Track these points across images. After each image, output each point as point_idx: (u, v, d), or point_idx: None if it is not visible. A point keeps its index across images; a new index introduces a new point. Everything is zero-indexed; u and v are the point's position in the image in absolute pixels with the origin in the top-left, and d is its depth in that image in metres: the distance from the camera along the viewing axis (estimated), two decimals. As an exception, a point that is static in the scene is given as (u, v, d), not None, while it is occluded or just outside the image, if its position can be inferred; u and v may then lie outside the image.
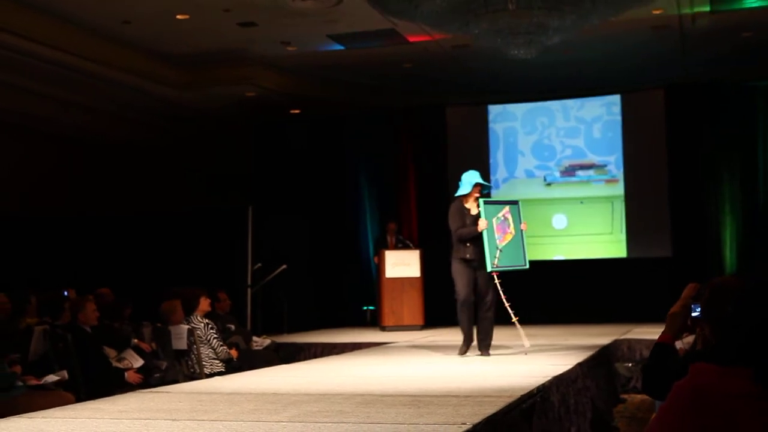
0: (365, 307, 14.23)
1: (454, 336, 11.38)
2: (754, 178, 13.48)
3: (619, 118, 14.12)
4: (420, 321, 12.42)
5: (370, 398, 5.26)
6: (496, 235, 8.11)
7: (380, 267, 12.55)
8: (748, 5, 10.88)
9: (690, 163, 13.63)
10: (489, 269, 8.01)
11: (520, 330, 8.21)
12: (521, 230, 8.40)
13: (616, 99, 14.13)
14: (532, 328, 12.11)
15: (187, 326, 8.23)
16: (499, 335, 8.61)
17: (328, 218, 14.95)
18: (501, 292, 8.08)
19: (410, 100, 14.57)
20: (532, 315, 13.25)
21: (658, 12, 10.85)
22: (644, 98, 13.99)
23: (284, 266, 12.37)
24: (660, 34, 11.81)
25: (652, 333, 9.34)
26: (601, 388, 8.00)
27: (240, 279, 11.89)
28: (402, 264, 12.35)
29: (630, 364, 8.82)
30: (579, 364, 7.18)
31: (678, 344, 4.72)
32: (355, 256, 14.96)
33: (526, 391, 5.36)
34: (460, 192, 8.30)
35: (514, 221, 8.33)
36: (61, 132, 14.23)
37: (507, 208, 8.37)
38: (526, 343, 8.29)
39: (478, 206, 8.18)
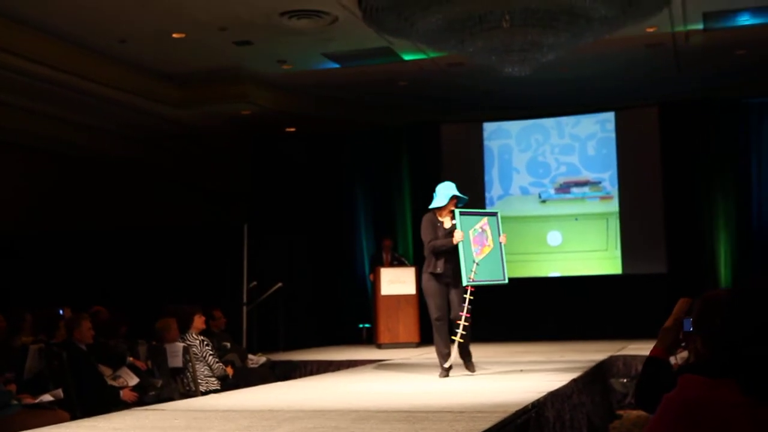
0: (361, 325, 14.24)
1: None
2: (748, 194, 13.53)
3: (613, 135, 14.18)
4: (416, 338, 12.42)
5: (365, 414, 5.27)
6: (473, 248, 7.72)
7: (376, 284, 12.57)
8: (741, 23, 10.95)
9: (684, 180, 13.68)
10: (465, 283, 7.62)
11: (454, 349, 7.73)
12: (500, 243, 7.99)
13: (610, 116, 14.20)
14: (528, 344, 12.18)
15: (182, 344, 8.24)
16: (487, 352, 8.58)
17: (324, 236, 14.97)
18: (467, 308, 7.68)
19: (406, 117, 14.63)
20: (527, 332, 13.40)
21: (651, 30, 10.93)
22: (638, 115, 14.05)
23: (280, 284, 12.38)
24: (654, 52, 11.89)
25: (647, 349, 9.30)
26: (596, 403, 8.00)
27: (236, 297, 11.90)
28: (398, 281, 12.36)
29: (625, 380, 8.84)
30: (574, 380, 7.19)
31: (672, 360, 4.75)
32: (350, 273, 14.98)
33: (521, 407, 5.37)
34: (435, 204, 7.93)
35: (492, 233, 7.95)
36: (58, 150, 14.26)
37: (485, 219, 7.98)
38: (450, 361, 7.79)
39: (453, 219, 7.81)
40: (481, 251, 7.78)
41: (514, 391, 6.38)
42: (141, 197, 15.56)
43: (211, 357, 8.44)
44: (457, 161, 14.57)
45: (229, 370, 8.71)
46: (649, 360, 3.54)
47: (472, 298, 7.69)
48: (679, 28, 11.00)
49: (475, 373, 7.94)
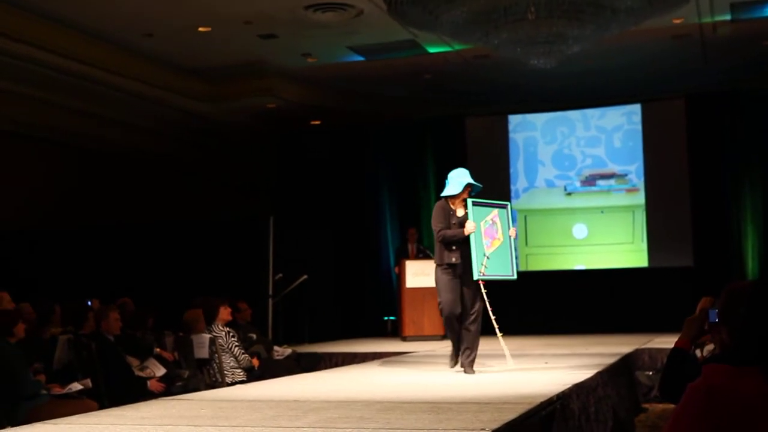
0: (386, 317, 14.26)
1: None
2: (776, 186, 13.42)
3: (639, 127, 14.11)
4: (441, 331, 12.38)
5: (389, 405, 5.29)
6: (484, 241, 7.39)
7: (401, 277, 12.57)
8: (768, 14, 10.87)
9: (711, 173, 13.59)
10: (476, 277, 7.27)
11: (504, 346, 7.59)
12: (510, 237, 7.66)
13: (636, 108, 14.12)
14: (554, 337, 12.16)
15: (208, 335, 8.30)
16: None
17: (349, 229, 15.00)
18: (487, 303, 7.38)
19: (431, 110, 14.62)
20: (553, 324, 13.38)
21: (678, 21, 10.86)
22: (665, 107, 13.97)
23: (305, 276, 12.43)
24: (681, 43, 11.82)
25: (673, 342, 9.30)
26: (622, 396, 7.98)
27: (261, 289, 11.95)
28: (422, 274, 12.34)
29: (651, 373, 8.81)
30: (599, 373, 7.18)
31: (698, 353, 4.74)
32: (376, 266, 15.01)
33: (546, 398, 5.37)
34: (447, 192, 7.49)
35: (502, 226, 7.61)
36: (85, 145, 14.38)
37: (495, 211, 7.62)
38: (510, 361, 7.65)
39: (465, 208, 7.43)
40: (492, 244, 7.46)
41: (540, 383, 6.38)
42: (168, 191, 15.66)
43: (237, 348, 8.50)
44: (482, 154, 14.56)
45: (255, 362, 8.76)
46: (674, 351, 3.55)
47: (486, 290, 7.40)
48: (707, 19, 10.92)
49: (471, 375, 7.36)
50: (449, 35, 10.59)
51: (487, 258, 7.34)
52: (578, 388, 6.25)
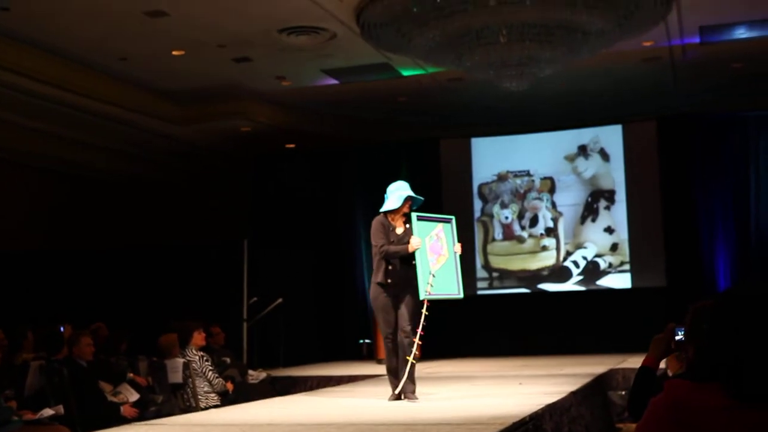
0: (361, 341, 14.26)
1: (448, 367, 11.44)
2: (746, 207, 13.56)
3: (617, 148, 14.21)
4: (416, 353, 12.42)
5: (363, 427, 5.30)
6: (429, 257, 6.91)
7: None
8: (737, 37, 11.03)
9: (683, 194, 13.72)
10: (422, 297, 6.77)
11: (404, 374, 6.88)
12: (455, 253, 7.20)
13: (609, 130, 14.23)
14: (528, 359, 12.20)
15: (182, 360, 8.27)
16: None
17: (324, 252, 15.01)
18: (423, 327, 6.85)
19: (405, 132, 14.69)
20: (527, 345, 13.43)
21: (648, 44, 11.01)
22: (637, 129, 14.11)
23: (280, 300, 12.42)
24: (651, 66, 11.98)
25: (647, 362, 9.36)
26: (596, 416, 8.02)
27: (236, 312, 11.93)
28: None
29: (624, 393, 8.83)
30: (573, 393, 7.22)
31: (670, 374, 4.80)
32: (351, 289, 15.00)
33: (518, 419, 5.40)
34: (387, 206, 7.04)
35: (447, 242, 7.16)
36: (58, 168, 14.33)
37: (440, 226, 7.17)
38: (399, 388, 6.96)
39: (406, 223, 7.01)
40: (437, 261, 7.01)
41: (512, 403, 6.40)
42: (142, 215, 15.63)
43: (210, 372, 8.48)
44: (456, 176, 14.62)
45: (229, 386, 8.74)
46: (641, 370, 3.60)
47: (427, 314, 6.86)
48: (676, 42, 11.08)
49: (415, 402, 6.89)
50: (422, 58, 10.68)
51: (433, 276, 6.87)
52: (551, 409, 6.28)
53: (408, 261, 6.87)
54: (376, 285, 7.02)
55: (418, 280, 6.76)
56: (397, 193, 7.04)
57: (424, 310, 6.84)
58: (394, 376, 7.07)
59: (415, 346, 6.90)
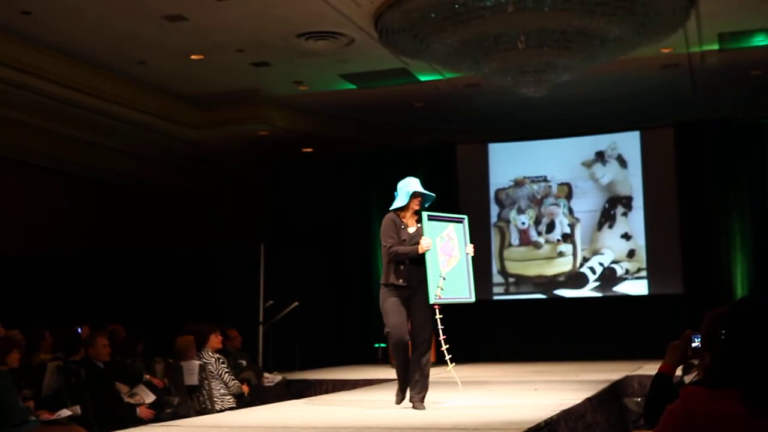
0: (377, 345, 14.25)
1: (464, 372, 11.40)
2: (764, 214, 13.49)
3: (635, 155, 14.18)
4: (431, 357, 12.38)
5: (378, 431, 5.30)
6: (440, 259, 6.58)
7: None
8: (756, 44, 10.99)
9: (700, 201, 13.67)
10: (432, 301, 6.44)
11: (455, 375, 6.93)
12: (467, 254, 6.86)
13: (627, 136, 14.19)
14: (545, 364, 12.17)
15: (198, 362, 8.30)
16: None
17: (341, 256, 15.03)
18: (440, 331, 6.55)
19: (422, 137, 14.69)
20: (542, 351, 13.40)
21: (667, 51, 10.99)
22: (655, 136, 14.06)
23: (296, 303, 12.43)
24: (669, 73, 11.94)
25: (663, 369, 9.32)
26: (611, 423, 8.00)
27: (252, 316, 11.96)
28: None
29: (640, 400, 8.80)
30: (588, 399, 7.20)
31: (687, 379, 4.78)
32: (367, 293, 15.00)
33: (533, 424, 5.40)
34: (396, 204, 6.74)
35: (459, 243, 6.82)
36: (77, 171, 14.41)
37: (451, 226, 6.82)
38: (460, 386, 7.21)
39: (418, 222, 6.67)
40: (448, 263, 6.65)
41: (528, 408, 6.39)
42: (160, 218, 15.68)
43: (226, 375, 8.50)
44: (472, 181, 14.61)
45: (245, 388, 8.76)
46: (657, 376, 3.59)
47: (441, 317, 6.56)
48: (695, 49, 11.04)
49: (425, 410, 6.62)
50: (440, 64, 10.69)
51: (443, 279, 6.53)
52: (566, 414, 6.27)
53: (420, 261, 6.50)
54: (385, 286, 6.68)
55: (427, 282, 6.44)
56: (405, 189, 6.72)
57: (438, 315, 6.53)
58: (401, 381, 6.86)
59: (431, 352, 6.71)
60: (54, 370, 7.33)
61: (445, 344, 6.54)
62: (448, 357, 6.59)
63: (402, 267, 6.58)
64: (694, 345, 3.48)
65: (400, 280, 6.58)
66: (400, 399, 6.84)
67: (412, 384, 6.65)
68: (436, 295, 6.43)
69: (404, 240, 6.62)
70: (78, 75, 11.12)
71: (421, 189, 6.68)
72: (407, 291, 6.59)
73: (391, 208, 6.77)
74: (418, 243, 6.51)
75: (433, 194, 6.79)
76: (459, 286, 6.75)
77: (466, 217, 7.04)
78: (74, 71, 11.04)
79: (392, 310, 6.59)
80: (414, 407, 6.59)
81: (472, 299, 6.94)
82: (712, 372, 2.40)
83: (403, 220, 6.72)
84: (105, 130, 12.95)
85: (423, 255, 6.45)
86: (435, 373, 10.89)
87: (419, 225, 6.64)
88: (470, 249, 6.87)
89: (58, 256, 13.60)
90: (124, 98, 11.93)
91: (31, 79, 10.69)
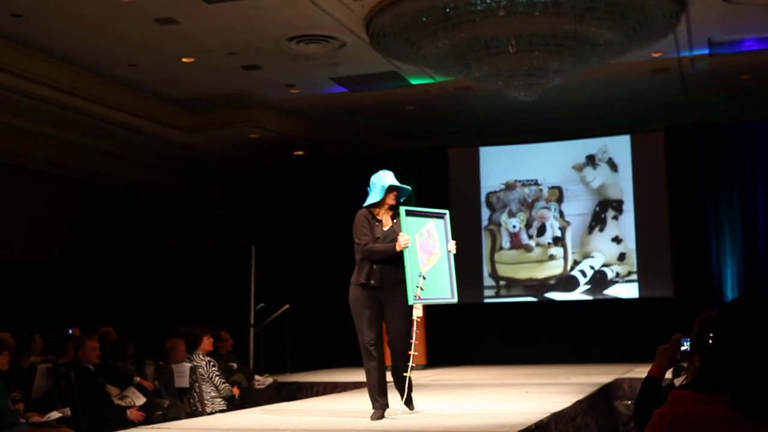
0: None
1: (453, 375, 11.42)
2: (755, 219, 13.53)
3: (625, 159, 14.21)
4: (423, 360, 12.41)
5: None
6: (420, 257, 6.12)
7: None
8: (746, 48, 11.02)
9: (691, 204, 13.70)
10: (411, 301, 6.00)
11: (405, 389, 6.25)
12: (449, 252, 6.43)
13: (617, 140, 14.21)
14: (536, 367, 12.17)
15: (189, 364, 8.29)
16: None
17: (333, 259, 14.97)
18: (414, 334, 6.10)
19: (413, 141, 14.70)
20: (533, 354, 13.41)
21: (657, 55, 11.01)
22: (645, 140, 14.09)
23: (287, 306, 12.42)
24: (660, 77, 11.97)
25: (653, 372, 9.33)
26: (601, 426, 8.00)
27: (243, 318, 11.94)
28: (405, 304, 12.37)
29: (630, 403, 8.79)
30: (579, 402, 7.21)
31: (677, 382, 4.78)
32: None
33: (523, 427, 5.40)
34: (370, 200, 6.36)
35: (440, 240, 6.37)
36: (66, 174, 14.37)
37: (431, 222, 6.35)
38: (400, 406, 6.36)
39: (393, 218, 6.27)
40: (428, 261, 6.19)
41: (518, 412, 6.40)
42: (150, 221, 15.66)
43: (217, 378, 8.48)
44: (464, 185, 14.62)
45: (236, 391, 8.74)
46: (646, 380, 3.59)
47: (418, 320, 6.14)
48: (685, 53, 11.07)
49: (414, 411, 6.39)
50: (431, 67, 10.70)
51: (423, 278, 6.05)
52: (557, 417, 6.27)
53: (396, 261, 6.04)
54: (356, 286, 6.18)
55: (406, 282, 5.97)
56: (379, 184, 6.30)
57: (414, 317, 6.08)
58: (375, 392, 6.19)
59: (410, 358, 6.08)
60: (44, 373, 7.30)
61: (413, 351, 6.05)
62: (410, 364, 6.10)
63: (375, 266, 6.11)
64: (683, 348, 3.48)
65: (372, 281, 6.10)
66: (379, 415, 6.13)
67: (404, 394, 6.23)
68: (415, 296, 5.98)
69: (378, 238, 6.18)
70: (69, 78, 11.10)
71: (395, 182, 6.27)
72: (381, 292, 6.13)
73: (364, 204, 6.37)
74: (394, 240, 6.07)
75: (409, 188, 6.38)
76: (440, 285, 6.28)
77: (447, 212, 6.59)
78: (65, 74, 11.02)
79: (362, 313, 6.15)
80: (409, 410, 6.33)
81: (455, 299, 6.46)
82: (701, 375, 2.40)
83: (377, 216, 6.29)
84: (96, 133, 12.93)
85: (400, 253, 6.01)
86: (425, 376, 10.90)
87: (395, 221, 6.24)
88: (452, 246, 6.41)
89: (49, 259, 13.57)
90: (115, 101, 11.91)
91: (21, 82, 10.66)
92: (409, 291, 5.94)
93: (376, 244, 6.15)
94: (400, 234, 6.06)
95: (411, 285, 5.95)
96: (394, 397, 6.37)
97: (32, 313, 11.77)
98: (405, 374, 6.03)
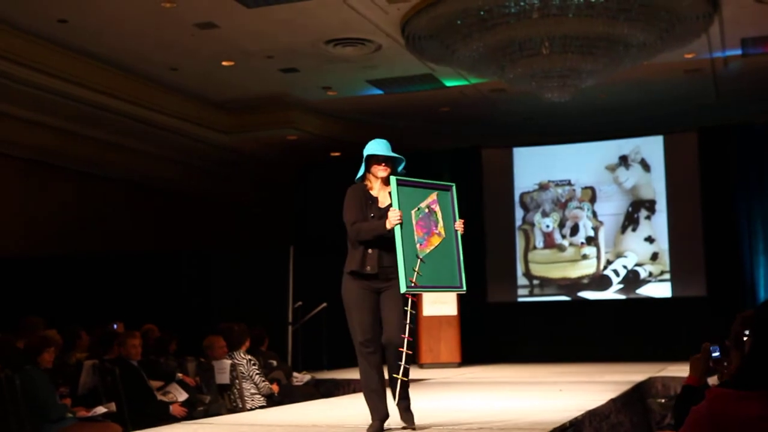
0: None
1: (490, 373, 11.40)
2: (788, 218, 13.39)
3: (658, 160, 14.11)
4: (457, 358, 12.42)
5: (404, 430, 5.30)
6: (416, 237, 4.99)
7: (418, 305, 12.57)
8: (779, 49, 10.90)
9: (723, 204, 13.58)
10: (403, 289, 4.87)
11: (397, 387, 5.08)
12: (455, 231, 5.22)
13: (650, 141, 14.11)
14: (569, 365, 12.12)
15: (229, 361, 8.35)
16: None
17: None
18: (408, 327, 4.96)
19: (447, 141, 14.69)
20: (567, 353, 13.35)
21: (690, 56, 10.92)
22: (678, 140, 13.98)
23: (324, 304, 12.46)
24: (692, 78, 11.87)
25: (685, 371, 9.27)
26: (635, 423, 7.96)
27: (281, 317, 11.99)
28: (439, 302, 12.38)
29: (664, 401, 8.74)
30: (612, 400, 7.17)
31: (710, 381, 4.75)
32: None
33: (558, 425, 5.38)
34: (358, 176, 5.36)
35: (444, 217, 5.19)
36: (112, 174, 14.52)
37: (434, 195, 5.20)
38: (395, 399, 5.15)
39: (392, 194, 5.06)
40: (428, 241, 5.05)
41: (553, 409, 6.38)
42: (191, 221, 15.77)
43: (257, 376, 8.53)
44: (498, 184, 14.60)
45: (275, 388, 8.79)
46: (683, 389, 3.60)
47: (414, 312, 5.02)
48: (718, 54, 10.97)
49: (415, 429, 5.24)
50: (466, 69, 10.69)
51: (421, 261, 4.93)
52: (591, 415, 6.25)
53: (393, 243, 4.94)
54: (349, 275, 5.14)
55: (399, 266, 4.88)
56: (366, 153, 5.31)
57: (409, 308, 4.97)
58: (373, 400, 5.19)
59: (403, 358, 4.98)
60: (89, 369, 7.39)
61: (407, 348, 4.97)
62: (402, 364, 4.98)
63: (370, 251, 5.06)
64: (714, 355, 3.47)
65: (368, 267, 5.05)
66: (378, 427, 5.12)
67: (397, 398, 5.09)
68: (410, 282, 4.85)
69: (372, 216, 5.13)
70: (112, 81, 11.23)
71: (378, 151, 5.23)
72: (378, 281, 5.08)
73: (356, 178, 5.37)
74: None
75: (402, 156, 5.29)
76: (444, 271, 5.12)
77: (453, 184, 5.41)
78: (109, 77, 11.15)
79: (356, 306, 5.10)
80: (406, 427, 5.19)
81: (463, 289, 5.23)
82: (739, 373, 2.40)
83: (371, 192, 5.24)
84: (139, 135, 13.06)
85: (394, 231, 4.91)
86: (460, 373, 10.89)
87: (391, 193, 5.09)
88: (459, 225, 5.22)
89: (93, 257, 13.71)
90: (156, 104, 12.04)
91: (67, 86, 10.80)
92: (401, 277, 4.84)
93: (365, 223, 5.08)
94: (391, 209, 4.95)
95: (404, 269, 4.84)
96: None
97: (77, 310, 11.90)
98: (395, 375, 4.99)
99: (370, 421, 5.19)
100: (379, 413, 5.14)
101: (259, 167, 15.60)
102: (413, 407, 5.26)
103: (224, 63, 11.07)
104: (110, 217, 14.78)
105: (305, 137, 13.83)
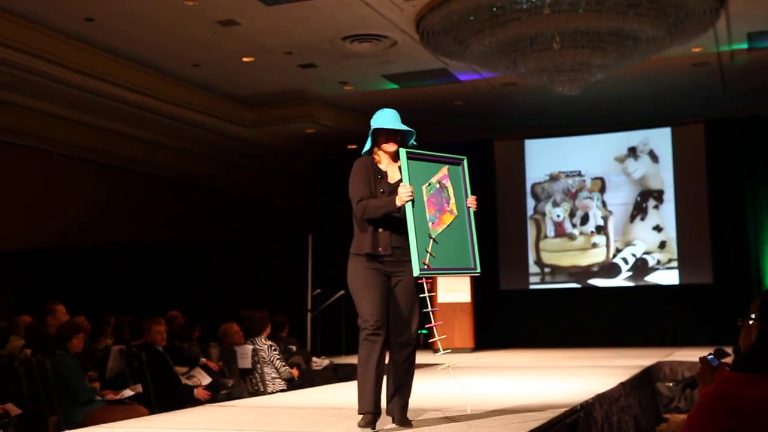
0: (419, 331, 14.26)
1: (502, 358, 11.41)
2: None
3: (665, 151, 14.05)
4: (470, 344, 12.44)
5: (420, 412, 5.32)
6: (428, 215, 4.47)
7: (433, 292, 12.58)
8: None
9: (729, 194, 13.51)
10: (416, 272, 4.35)
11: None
12: (468, 208, 4.68)
13: (658, 133, 14.06)
14: (579, 351, 12.11)
15: (251, 346, 8.38)
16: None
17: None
18: (432, 314, 4.53)
19: (461, 134, 14.66)
20: (577, 338, 13.34)
21: (697, 50, 10.87)
22: (685, 132, 13.91)
23: (342, 292, 12.48)
24: (700, 71, 11.81)
25: (692, 356, 9.26)
26: (643, 407, 7.95)
27: (301, 303, 12.04)
28: (453, 290, 12.39)
29: (671, 384, 8.73)
30: (622, 384, 7.16)
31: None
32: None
33: (569, 408, 5.38)
34: (365, 149, 4.75)
35: (456, 193, 4.67)
36: (138, 168, 14.61)
37: (445, 169, 4.71)
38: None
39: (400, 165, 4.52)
40: (440, 220, 4.52)
41: (564, 393, 6.38)
42: (215, 212, 15.84)
43: (278, 361, 8.55)
44: (511, 176, 14.57)
45: (295, 372, 8.81)
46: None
47: (432, 294, 4.61)
48: (724, 48, 10.91)
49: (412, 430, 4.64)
50: (478, 64, 10.67)
51: (434, 241, 4.41)
52: (601, 398, 6.25)
53: (404, 223, 4.38)
54: (358, 257, 4.58)
55: (411, 247, 4.34)
56: (375, 125, 4.73)
57: (426, 292, 4.50)
58: (368, 392, 4.50)
59: (440, 347, 4.62)
60: (117, 354, 7.44)
61: (439, 334, 4.60)
62: (442, 352, 4.63)
63: (381, 230, 4.50)
64: (715, 365, 3.45)
65: (380, 248, 4.49)
66: (369, 421, 4.50)
67: (393, 392, 4.67)
68: (423, 264, 4.33)
69: (383, 192, 4.57)
70: (137, 77, 11.28)
71: (390, 124, 4.67)
72: (389, 264, 4.50)
73: (363, 152, 4.78)
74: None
75: (412, 129, 4.75)
76: (457, 252, 4.58)
77: (465, 158, 4.91)
78: (133, 74, 11.20)
79: (366, 288, 4.48)
80: (397, 425, 4.65)
81: (477, 270, 4.66)
82: (748, 357, 2.39)
83: (379, 166, 4.66)
84: (163, 129, 13.11)
85: (404, 210, 4.38)
86: (474, 358, 10.89)
87: (400, 168, 4.56)
88: (472, 201, 4.69)
89: (120, 248, 13.81)
90: (179, 99, 12.08)
91: (93, 82, 10.85)
92: (414, 259, 4.31)
93: (373, 200, 4.51)
94: (401, 184, 4.41)
95: (417, 250, 4.31)
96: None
97: (108, 298, 11.99)
98: (402, 358, 4.65)
99: (384, 405, 4.72)
100: (373, 412, 4.53)
101: (279, 159, 15.63)
102: (411, 407, 4.88)
103: (245, 59, 11.09)
104: (136, 209, 14.86)
105: (323, 130, 13.85)
